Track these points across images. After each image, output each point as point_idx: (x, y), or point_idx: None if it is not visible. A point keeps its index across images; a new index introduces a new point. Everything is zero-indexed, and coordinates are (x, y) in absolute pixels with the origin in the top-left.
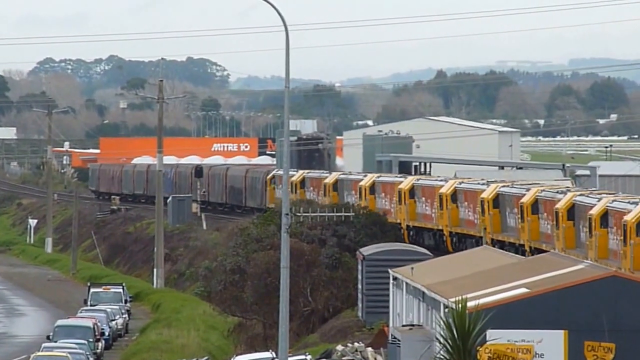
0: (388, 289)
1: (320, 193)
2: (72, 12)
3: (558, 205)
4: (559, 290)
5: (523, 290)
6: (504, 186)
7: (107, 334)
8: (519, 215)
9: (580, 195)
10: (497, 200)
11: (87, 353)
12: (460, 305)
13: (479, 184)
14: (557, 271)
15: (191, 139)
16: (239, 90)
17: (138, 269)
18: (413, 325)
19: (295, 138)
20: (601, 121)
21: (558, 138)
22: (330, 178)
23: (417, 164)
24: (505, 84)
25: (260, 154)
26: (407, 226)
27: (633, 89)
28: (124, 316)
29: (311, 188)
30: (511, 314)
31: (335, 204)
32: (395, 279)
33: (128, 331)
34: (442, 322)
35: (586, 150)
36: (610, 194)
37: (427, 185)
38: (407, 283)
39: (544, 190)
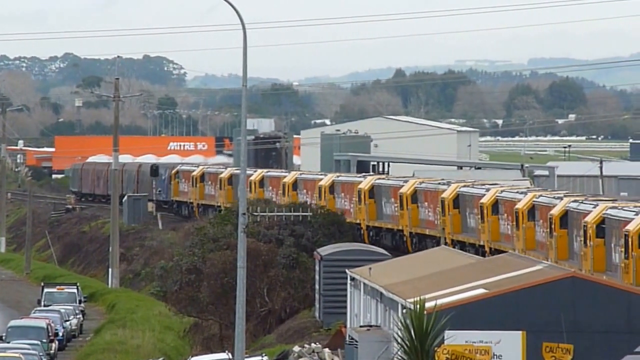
0: (346, 290)
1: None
2: (29, 10)
3: (442, 195)
4: (517, 291)
5: (481, 290)
6: (502, 191)
7: (61, 334)
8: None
9: (465, 186)
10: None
11: (41, 354)
12: (418, 306)
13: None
14: (516, 272)
15: (147, 137)
16: (196, 89)
17: (93, 269)
18: (371, 326)
19: (253, 137)
20: (560, 121)
21: (517, 138)
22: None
23: (375, 163)
24: (463, 83)
25: (217, 153)
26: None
27: (592, 89)
28: (78, 316)
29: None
30: (469, 315)
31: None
32: (352, 279)
33: (82, 332)
34: (399, 323)
35: (545, 151)
36: (494, 184)
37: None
38: (364, 283)
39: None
